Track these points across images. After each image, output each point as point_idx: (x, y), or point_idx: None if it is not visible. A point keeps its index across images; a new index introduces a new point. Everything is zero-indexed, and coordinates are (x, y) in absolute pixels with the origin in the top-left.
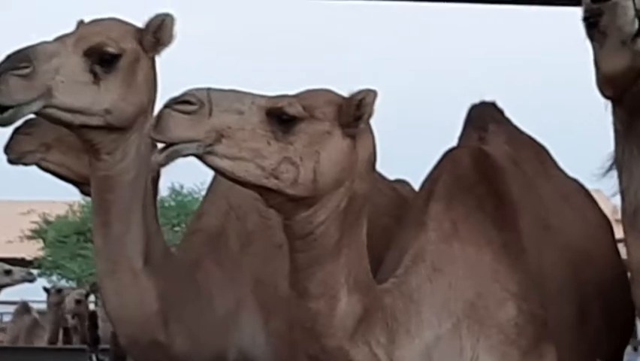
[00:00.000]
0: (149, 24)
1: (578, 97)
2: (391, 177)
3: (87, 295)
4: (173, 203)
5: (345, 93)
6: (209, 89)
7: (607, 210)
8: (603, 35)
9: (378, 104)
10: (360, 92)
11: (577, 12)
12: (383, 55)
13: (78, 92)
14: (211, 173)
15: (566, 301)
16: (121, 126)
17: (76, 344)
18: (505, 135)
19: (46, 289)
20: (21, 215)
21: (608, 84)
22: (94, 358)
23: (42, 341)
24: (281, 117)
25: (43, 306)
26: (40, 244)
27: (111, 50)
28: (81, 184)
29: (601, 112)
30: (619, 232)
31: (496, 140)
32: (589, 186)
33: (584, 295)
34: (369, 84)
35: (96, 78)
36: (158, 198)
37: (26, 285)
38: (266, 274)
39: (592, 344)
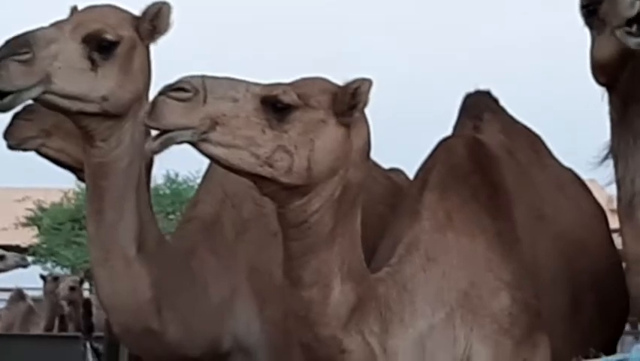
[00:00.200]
0: (146, 12)
1: (575, 86)
2: (386, 165)
3: (81, 283)
4: (168, 191)
5: (340, 82)
6: (203, 77)
7: (602, 200)
8: (602, 23)
9: (374, 93)
10: (355, 80)
11: (574, 1)
12: (378, 42)
13: (76, 79)
14: (206, 161)
15: (559, 290)
16: (117, 113)
17: (70, 331)
18: (500, 124)
19: (42, 277)
20: (16, 202)
21: (600, 70)
22: (88, 345)
23: (38, 329)
24: (275, 105)
25: (38, 293)
26: (35, 231)
27: (109, 37)
28: (79, 170)
29: (597, 101)
30: (614, 222)
31: (491, 129)
32: (583, 176)
33: (578, 285)
34: (364, 72)
35: (94, 65)
36: (153, 185)
37: (21, 272)
38: (261, 261)
39: (585, 334)
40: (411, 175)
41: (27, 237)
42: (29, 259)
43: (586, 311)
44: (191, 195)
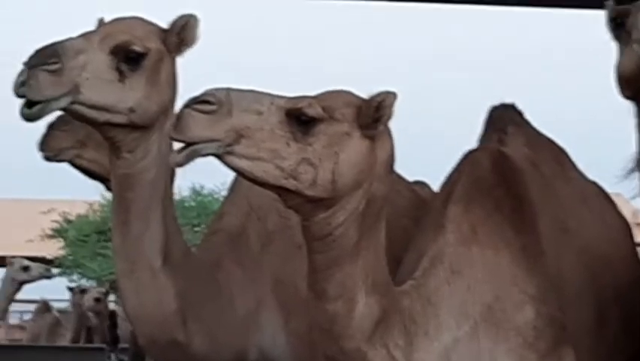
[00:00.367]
0: (173, 24)
1: (601, 98)
2: (411, 178)
3: (106, 294)
4: (193, 203)
5: (365, 95)
6: (228, 89)
7: (627, 214)
8: (628, 35)
9: (398, 105)
10: (379, 93)
11: (600, 14)
12: (402, 55)
13: (104, 90)
14: (232, 173)
15: (584, 304)
16: (143, 125)
17: (96, 343)
18: (524, 137)
19: (70, 289)
20: (41, 214)
21: (625, 83)
22: (113, 357)
23: (64, 340)
24: (300, 118)
25: (63, 305)
26: (61, 243)
27: (137, 48)
28: (109, 181)
29: (623, 114)
30: (639, 236)
31: (515, 142)
32: (609, 189)
33: (603, 299)
34: (388, 85)
35: (121, 76)
36: (179, 198)
37: (46, 284)
38: (286, 274)
39: (610, 348)
40: (435, 188)
41: (53, 249)
42: (55, 271)
43: (611, 326)
44: (216, 208)
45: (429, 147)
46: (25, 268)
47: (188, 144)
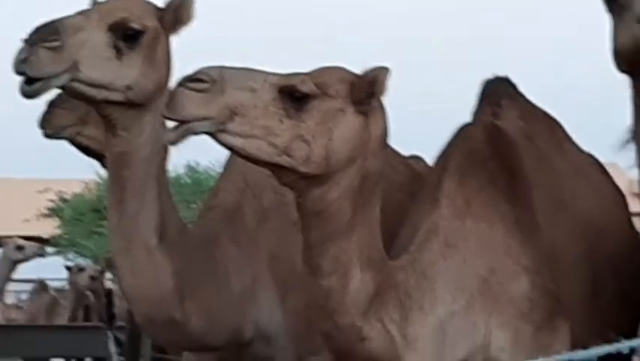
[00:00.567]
0: (170, 3)
1: (595, 70)
2: (406, 153)
3: (102, 272)
4: (188, 180)
5: (358, 70)
6: (221, 67)
7: (623, 184)
8: (622, 8)
9: (393, 80)
10: (372, 69)
11: None
12: (397, 29)
13: (102, 67)
14: (227, 150)
15: (579, 276)
16: (140, 103)
17: (94, 321)
18: (519, 110)
19: (68, 268)
20: (37, 193)
21: (622, 58)
22: (110, 335)
23: (62, 319)
24: (293, 95)
25: (59, 284)
26: (57, 222)
27: (135, 26)
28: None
29: (618, 85)
30: (635, 206)
31: (510, 115)
32: (605, 159)
33: (598, 271)
34: (382, 60)
35: (119, 54)
36: (174, 175)
37: (43, 263)
38: (282, 250)
39: (605, 319)
40: (430, 162)
41: (48, 228)
42: (51, 249)
43: (606, 296)
44: (212, 185)
45: (425, 121)
46: (20, 248)
47: (182, 123)
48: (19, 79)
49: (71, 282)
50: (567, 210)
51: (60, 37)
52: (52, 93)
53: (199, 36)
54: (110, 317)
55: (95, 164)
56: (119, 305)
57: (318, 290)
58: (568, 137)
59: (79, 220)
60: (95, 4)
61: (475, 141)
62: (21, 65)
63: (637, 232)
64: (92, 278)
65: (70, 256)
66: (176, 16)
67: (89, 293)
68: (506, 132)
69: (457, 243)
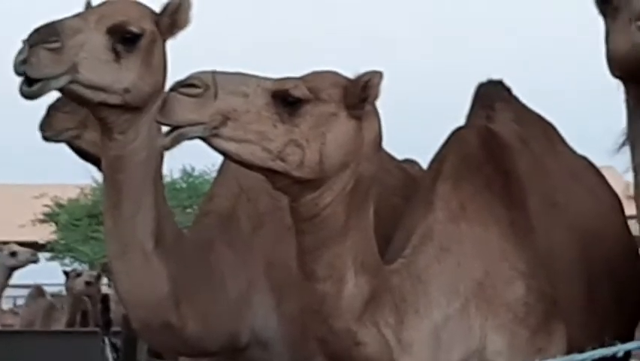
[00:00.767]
0: (166, 6)
1: (590, 72)
2: (400, 157)
3: (98, 278)
4: (184, 185)
5: (351, 75)
6: (214, 72)
7: (619, 187)
8: (615, 11)
9: (387, 84)
10: (365, 73)
11: None
12: (390, 33)
13: (100, 70)
14: (221, 155)
15: (575, 279)
16: (136, 106)
17: (91, 327)
18: (513, 113)
19: (65, 273)
20: (33, 199)
21: (616, 63)
22: (106, 340)
23: (60, 325)
24: (286, 100)
25: (56, 290)
26: (53, 227)
27: (134, 29)
28: None
29: (612, 88)
30: (631, 209)
31: (504, 118)
32: (602, 162)
33: (594, 274)
34: (375, 63)
35: (117, 56)
36: (170, 180)
37: (39, 268)
38: (277, 255)
39: (601, 322)
40: (425, 166)
41: (45, 233)
42: (47, 255)
43: (602, 300)
44: (207, 189)
45: (419, 125)
46: (13, 254)
47: (175, 128)
48: (17, 82)
49: (69, 287)
50: (562, 213)
51: (60, 38)
52: (51, 96)
53: (192, 40)
54: (107, 323)
55: (90, 169)
56: (115, 310)
57: (312, 295)
58: (562, 140)
59: (75, 225)
60: (88, 6)
61: (469, 144)
62: (21, 66)
63: (632, 235)
64: (87, 284)
65: (67, 261)
66: (172, 21)
67: (86, 299)
68: (500, 136)
69: (452, 246)
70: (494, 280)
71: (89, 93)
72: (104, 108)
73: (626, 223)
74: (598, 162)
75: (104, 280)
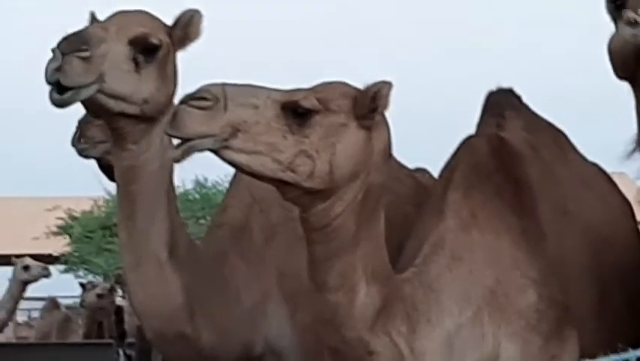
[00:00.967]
0: (178, 19)
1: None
2: (411, 165)
3: (112, 289)
4: (197, 196)
5: (361, 85)
6: (224, 84)
7: (630, 193)
8: (618, 13)
9: (398, 93)
10: (375, 84)
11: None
12: (401, 41)
13: (123, 80)
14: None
15: (586, 286)
16: (153, 116)
17: (106, 338)
18: (523, 121)
19: (82, 285)
20: (47, 211)
21: (612, 62)
22: (121, 352)
23: (76, 337)
24: (296, 111)
25: (71, 302)
26: (67, 239)
27: (154, 40)
28: None
29: (623, 94)
30: None
31: (514, 126)
32: (613, 169)
33: (605, 280)
34: (387, 72)
35: (137, 67)
36: (182, 190)
37: (53, 281)
38: (290, 266)
39: (613, 329)
40: (436, 175)
41: (58, 245)
42: (61, 267)
43: (614, 306)
44: (220, 200)
45: (430, 133)
46: (26, 268)
47: (185, 140)
48: (25, 97)
49: (83, 299)
50: (573, 221)
51: (89, 47)
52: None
53: (202, 52)
54: (121, 334)
55: (103, 181)
56: (129, 322)
57: (324, 305)
58: (572, 147)
59: (88, 238)
60: (93, 17)
61: (479, 152)
62: (55, 74)
63: None
64: (99, 296)
65: (81, 273)
66: (185, 33)
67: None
68: (511, 143)
69: (463, 255)
70: (506, 287)
71: (111, 103)
72: (121, 118)
73: (637, 229)
74: (609, 168)
75: (119, 291)
